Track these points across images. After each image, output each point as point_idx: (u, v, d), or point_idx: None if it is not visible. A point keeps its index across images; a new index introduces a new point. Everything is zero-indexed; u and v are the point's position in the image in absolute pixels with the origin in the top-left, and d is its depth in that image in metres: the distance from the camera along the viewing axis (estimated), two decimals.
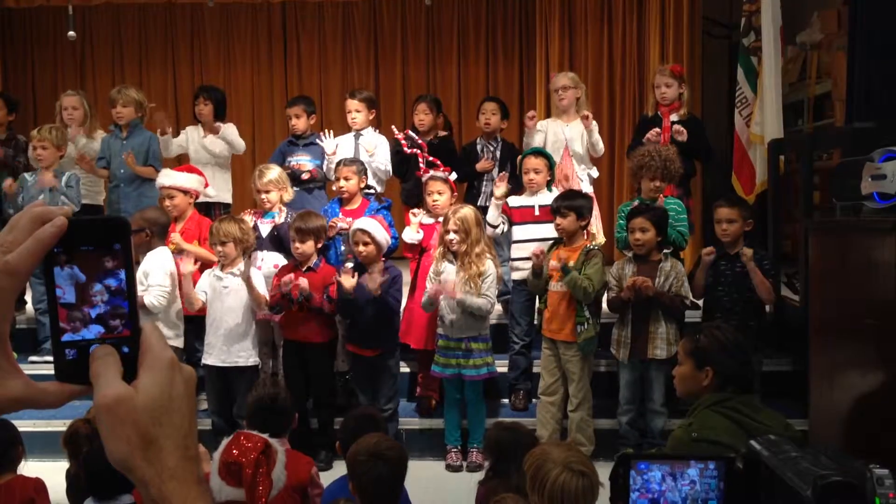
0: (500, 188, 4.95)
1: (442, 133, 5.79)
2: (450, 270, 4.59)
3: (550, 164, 5.03)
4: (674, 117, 5.50)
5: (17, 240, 0.68)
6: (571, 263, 4.47)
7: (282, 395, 3.35)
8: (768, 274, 4.52)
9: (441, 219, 4.77)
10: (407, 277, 5.16)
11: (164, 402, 0.70)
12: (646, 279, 4.37)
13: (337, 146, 5.53)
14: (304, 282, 4.50)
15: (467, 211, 4.62)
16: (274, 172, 5.13)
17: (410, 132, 5.55)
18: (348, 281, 4.47)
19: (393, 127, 5.70)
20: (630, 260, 4.59)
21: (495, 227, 4.96)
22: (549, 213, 4.72)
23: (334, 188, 5.48)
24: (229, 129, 5.83)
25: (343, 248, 5.10)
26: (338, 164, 5.26)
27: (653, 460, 1.11)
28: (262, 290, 4.65)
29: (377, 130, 5.75)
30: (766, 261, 4.62)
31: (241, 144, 5.90)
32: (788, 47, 6.70)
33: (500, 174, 5.11)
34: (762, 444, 1.08)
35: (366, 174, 5.23)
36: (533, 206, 4.96)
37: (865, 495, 0.97)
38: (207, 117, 5.85)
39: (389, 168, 5.62)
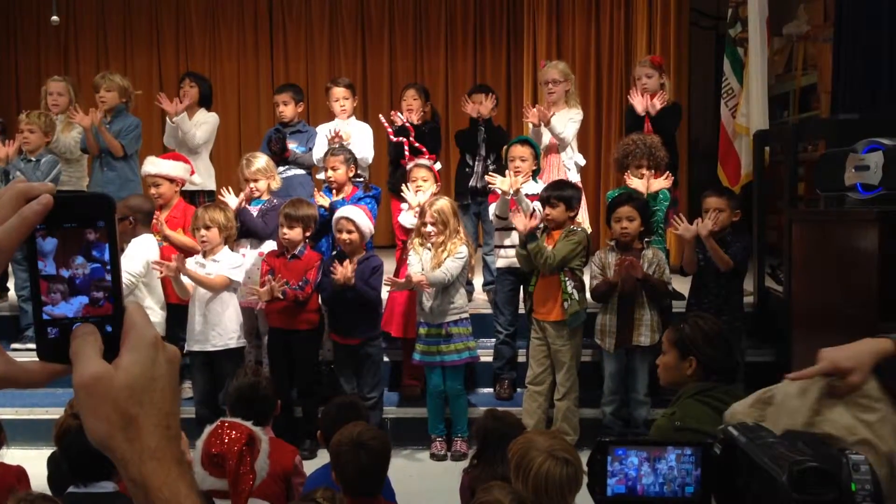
0: (502, 183, 4.73)
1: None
2: (413, 262, 4.61)
3: (536, 153, 5.02)
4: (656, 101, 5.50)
5: (1, 217, 0.68)
6: (551, 248, 4.50)
7: (262, 382, 3.34)
8: (729, 248, 4.51)
9: (418, 211, 4.75)
10: (390, 265, 5.15)
11: (145, 381, 0.69)
12: (634, 259, 4.38)
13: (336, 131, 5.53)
14: (275, 288, 4.52)
15: (444, 203, 4.61)
16: (261, 161, 5.12)
17: (399, 114, 5.53)
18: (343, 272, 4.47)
19: (381, 116, 5.67)
20: (613, 248, 4.60)
21: (504, 219, 4.88)
22: (534, 201, 4.72)
23: (319, 176, 5.47)
24: (186, 120, 5.67)
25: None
26: (326, 153, 5.25)
27: (630, 446, 1.12)
28: (234, 272, 4.62)
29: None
30: (740, 242, 4.61)
31: (192, 138, 5.67)
32: (775, 39, 6.72)
33: (488, 174, 4.96)
34: (739, 430, 1.09)
35: (355, 163, 5.22)
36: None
37: (841, 481, 0.97)
38: (192, 100, 5.79)
39: (368, 156, 5.61)
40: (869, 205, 3.50)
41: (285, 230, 4.64)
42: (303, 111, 5.97)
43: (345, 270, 4.44)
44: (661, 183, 4.76)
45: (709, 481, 1.11)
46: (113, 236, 0.72)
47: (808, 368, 1.38)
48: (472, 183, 5.51)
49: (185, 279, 4.59)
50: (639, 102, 5.30)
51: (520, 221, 4.47)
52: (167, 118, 5.68)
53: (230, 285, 4.64)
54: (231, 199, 4.93)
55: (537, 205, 4.73)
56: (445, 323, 4.57)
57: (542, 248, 4.42)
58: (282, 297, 4.53)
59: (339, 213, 4.70)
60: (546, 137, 5.42)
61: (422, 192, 4.92)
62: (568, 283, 4.49)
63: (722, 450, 1.10)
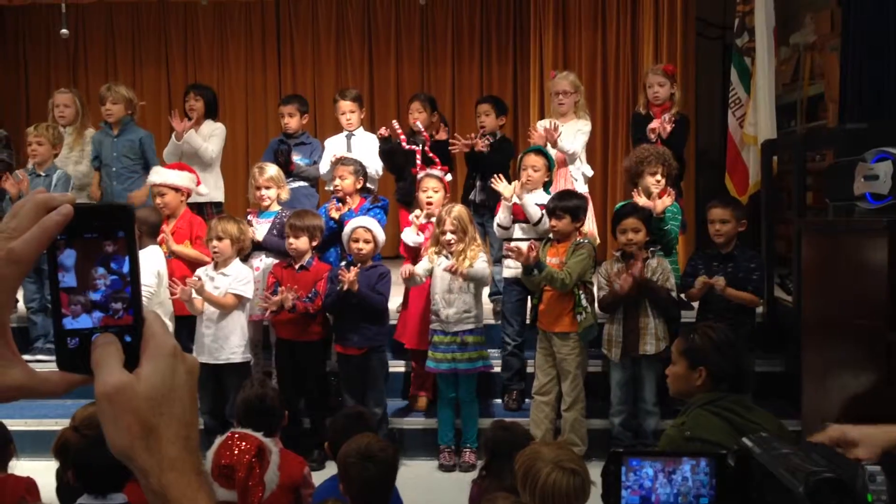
0: (506, 189, 4.79)
1: (439, 136, 5.75)
2: (444, 265, 4.59)
3: (550, 165, 5.03)
4: (665, 117, 5.50)
5: (21, 227, 0.68)
6: (555, 260, 4.49)
7: (270, 394, 3.33)
8: (751, 278, 4.51)
9: (435, 220, 4.76)
10: (396, 276, 5.14)
11: (165, 391, 0.70)
12: (638, 263, 4.39)
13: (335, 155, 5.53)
14: (287, 295, 4.50)
15: (461, 209, 4.63)
16: (273, 169, 5.15)
17: (418, 123, 5.55)
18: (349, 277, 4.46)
19: (395, 122, 5.67)
20: (618, 259, 4.61)
21: (507, 228, 4.91)
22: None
23: (327, 188, 5.48)
24: (195, 137, 5.72)
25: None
26: (335, 163, 5.26)
27: (645, 457, 1.11)
28: (243, 287, 4.64)
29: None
30: (754, 263, 4.60)
31: (206, 152, 5.73)
32: (782, 48, 6.71)
33: (494, 176, 4.98)
34: (754, 441, 1.08)
35: (364, 175, 5.22)
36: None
37: (857, 492, 0.97)
38: (199, 113, 5.82)
39: (378, 167, 5.62)
40: (878, 214, 3.48)
41: (291, 240, 4.66)
42: (307, 122, 6.00)
43: (349, 275, 4.44)
44: (666, 201, 4.75)
45: (724, 493, 1.10)
46: (132, 246, 0.72)
47: (815, 435, 1.36)
48: (471, 195, 5.52)
49: (195, 297, 4.61)
50: (651, 131, 5.28)
51: (520, 256, 4.46)
52: (173, 136, 5.70)
53: (240, 302, 4.65)
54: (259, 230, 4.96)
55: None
56: (461, 332, 4.57)
57: (552, 276, 4.41)
58: (291, 311, 4.52)
59: (355, 223, 4.70)
60: (555, 151, 5.42)
61: (431, 205, 4.92)
62: (582, 296, 4.49)
63: (737, 461, 1.09)
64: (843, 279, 3.69)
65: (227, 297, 4.61)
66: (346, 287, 4.43)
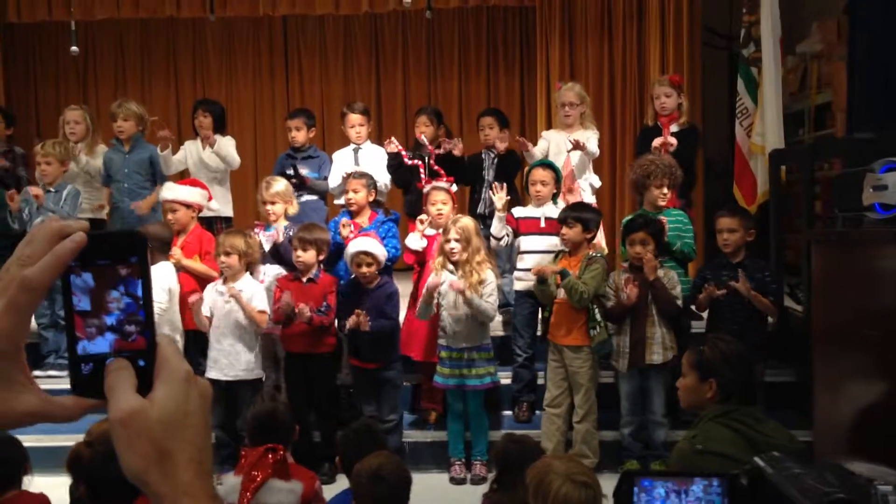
0: (500, 200, 4.89)
1: (446, 143, 5.78)
2: (451, 279, 4.59)
3: (557, 177, 5.05)
4: (673, 128, 5.51)
5: (36, 254, 0.69)
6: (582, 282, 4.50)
7: (280, 408, 3.35)
8: (768, 287, 4.51)
9: (441, 230, 4.78)
10: (407, 290, 5.15)
11: (178, 416, 0.70)
12: (649, 256, 4.41)
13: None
14: (304, 309, 4.52)
15: (467, 220, 4.64)
16: (280, 184, 5.16)
17: (423, 137, 5.59)
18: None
19: (393, 138, 5.70)
20: (627, 270, 4.61)
21: (499, 239, 4.96)
22: (555, 225, 4.74)
23: (336, 202, 5.50)
24: (225, 143, 5.80)
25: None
26: (347, 176, 5.28)
27: (656, 477, 1.11)
28: (263, 303, 4.66)
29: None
30: (768, 272, 4.60)
31: (235, 159, 5.85)
32: (788, 57, 6.71)
33: (494, 184, 5.05)
34: (766, 461, 1.08)
35: (375, 188, 5.24)
36: (539, 218, 4.96)
37: None
38: (207, 129, 5.85)
39: (387, 180, 5.64)
40: (887, 224, 3.48)
41: (299, 252, 4.67)
42: (315, 136, 6.03)
43: (357, 320, 4.47)
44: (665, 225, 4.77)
45: None
46: (145, 272, 0.73)
47: None
48: (479, 209, 5.54)
49: (205, 311, 4.63)
50: (654, 149, 5.30)
51: (547, 268, 4.52)
52: (158, 148, 5.73)
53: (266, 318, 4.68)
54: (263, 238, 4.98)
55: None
56: (468, 348, 4.57)
57: (572, 286, 4.42)
58: (308, 323, 4.53)
59: (354, 248, 4.69)
60: (560, 159, 5.44)
61: (441, 218, 4.94)
62: (596, 310, 4.49)
63: (749, 481, 1.09)
64: (853, 289, 3.68)
65: (261, 314, 4.63)
66: (352, 327, 4.48)
